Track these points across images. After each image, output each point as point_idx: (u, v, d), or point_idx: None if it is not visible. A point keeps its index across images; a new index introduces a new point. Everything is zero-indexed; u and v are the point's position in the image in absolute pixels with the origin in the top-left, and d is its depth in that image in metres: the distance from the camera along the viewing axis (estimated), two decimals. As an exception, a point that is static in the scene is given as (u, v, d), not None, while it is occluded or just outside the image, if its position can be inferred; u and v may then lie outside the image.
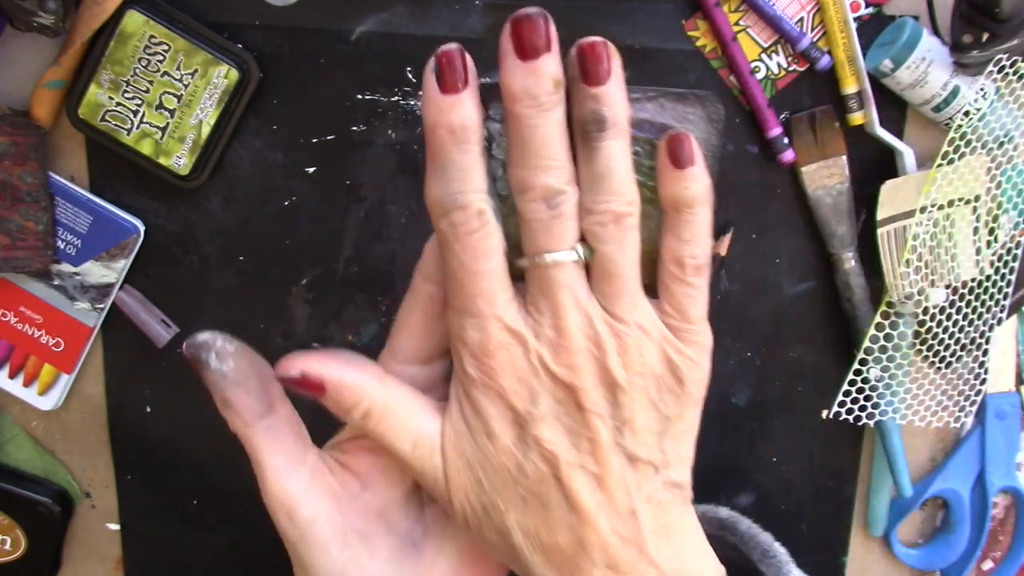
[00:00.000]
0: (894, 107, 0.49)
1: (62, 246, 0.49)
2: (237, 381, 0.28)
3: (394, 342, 0.31)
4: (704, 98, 0.28)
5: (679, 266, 0.28)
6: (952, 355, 0.51)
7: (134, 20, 0.45)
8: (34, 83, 0.47)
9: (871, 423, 0.52)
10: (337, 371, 0.28)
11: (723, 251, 0.50)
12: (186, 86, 0.47)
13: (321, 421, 0.31)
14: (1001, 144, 0.48)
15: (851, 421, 0.52)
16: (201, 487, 0.54)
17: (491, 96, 0.28)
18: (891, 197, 0.48)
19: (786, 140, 0.49)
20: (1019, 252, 0.50)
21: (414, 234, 0.50)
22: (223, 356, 0.28)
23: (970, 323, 0.51)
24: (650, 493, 0.29)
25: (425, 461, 0.29)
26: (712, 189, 0.29)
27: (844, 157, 0.49)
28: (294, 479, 0.29)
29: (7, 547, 0.53)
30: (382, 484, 0.31)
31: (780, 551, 0.43)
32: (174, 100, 0.47)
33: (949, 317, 0.50)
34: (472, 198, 0.27)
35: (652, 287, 0.29)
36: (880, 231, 0.49)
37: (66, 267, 0.49)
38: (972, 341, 0.51)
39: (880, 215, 0.48)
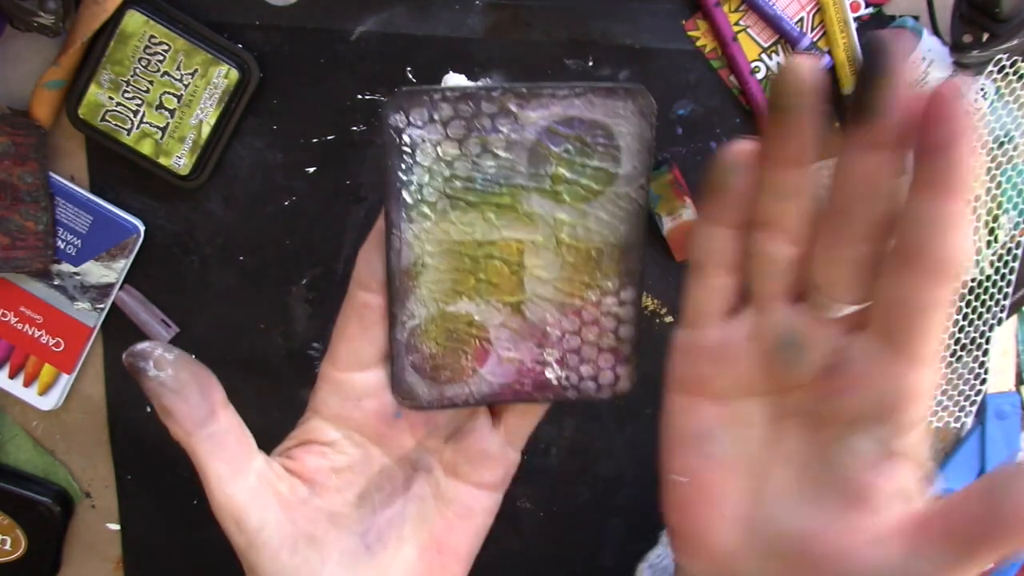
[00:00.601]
0: (894, 107, 0.49)
1: (62, 246, 0.49)
2: (175, 390, 0.28)
3: (333, 351, 0.31)
4: (635, 92, 0.28)
5: None
6: (952, 355, 0.51)
7: (134, 20, 0.45)
8: (34, 83, 0.47)
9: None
10: None
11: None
12: (186, 86, 0.47)
13: (269, 429, 0.31)
14: (1001, 144, 0.48)
15: (851, 421, 0.52)
16: (201, 487, 0.54)
17: (412, 102, 0.28)
18: (891, 197, 0.48)
19: (786, 140, 0.49)
20: (1019, 252, 0.50)
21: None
22: (161, 365, 0.28)
23: (970, 323, 0.51)
24: None
25: None
26: (648, 187, 0.29)
27: (844, 157, 0.49)
28: (240, 486, 0.29)
29: (7, 547, 0.53)
30: (332, 488, 0.31)
31: None
32: (174, 100, 0.47)
33: (949, 317, 0.50)
34: None
35: (597, 285, 0.30)
36: (880, 231, 0.49)
37: (66, 267, 0.49)
38: (972, 341, 0.51)
39: (880, 215, 0.48)
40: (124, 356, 0.28)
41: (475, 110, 0.28)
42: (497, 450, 0.32)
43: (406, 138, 0.28)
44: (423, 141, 0.28)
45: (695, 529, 0.28)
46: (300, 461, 0.31)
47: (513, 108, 0.28)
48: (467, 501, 0.32)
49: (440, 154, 0.28)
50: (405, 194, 0.28)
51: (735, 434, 0.28)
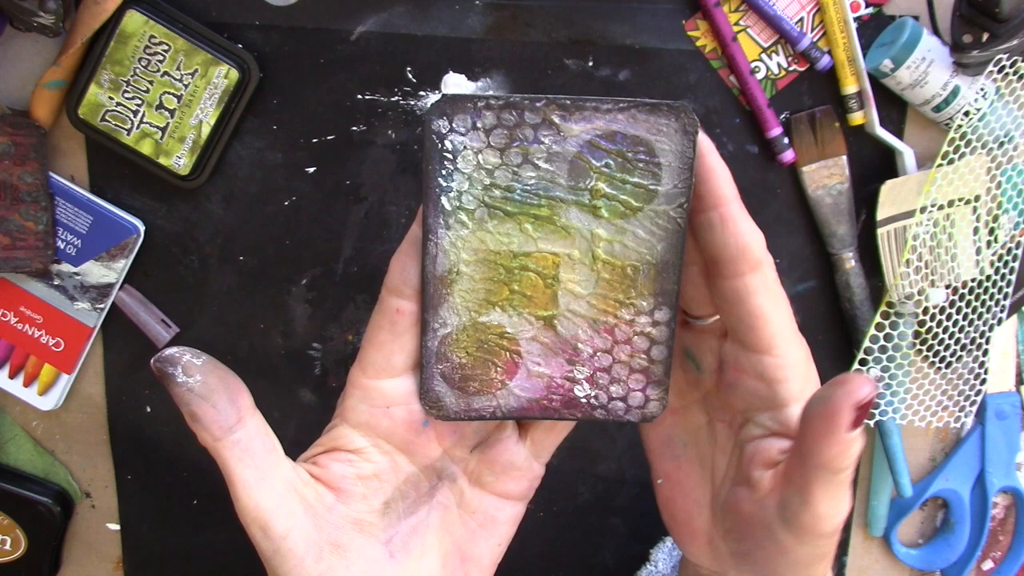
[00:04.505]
0: (894, 107, 0.49)
1: (62, 246, 0.49)
2: (203, 395, 0.28)
3: (364, 357, 0.31)
4: (678, 109, 0.28)
5: None
6: (952, 355, 0.51)
7: (134, 20, 0.45)
8: (34, 83, 0.47)
9: (871, 423, 0.52)
10: None
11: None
12: (186, 86, 0.47)
13: (298, 437, 0.31)
14: (1001, 144, 0.48)
15: (851, 421, 0.52)
16: (201, 487, 0.54)
17: (457, 108, 0.28)
18: (891, 197, 0.48)
19: (786, 140, 0.49)
20: (1019, 252, 0.50)
21: (414, 234, 0.50)
22: (189, 370, 0.28)
23: (970, 323, 0.51)
24: None
25: None
26: (689, 207, 0.29)
27: (844, 157, 0.49)
28: (266, 492, 0.29)
29: (7, 547, 0.53)
30: (357, 495, 0.31)
31: None
32: (174, 100, 0.47)
33: (949, 317, 0.50)
34: None
35: (627, 301, 0.30)
36: (880, 231, 0.49)
37: (66, 267, 0.49)
38: (972, 341, 0.51)
39: (880, 215, 0.48)
40: (152, 362, 0.28)
41: (518, 120, 0.28)
42: (522, 462, 0.32)
43: (448, 144, 0.28)
44: (465, 148, 0.28)
45: (682, 520, 0.33)
46: (326, 468, 0.31)
47: (556, 120, 0.28)
48: (490, 511, 0.32)
49: (481, 162, 0.28)
50: (444, 200, 0.28)
51: (689, 434, 0.33)
